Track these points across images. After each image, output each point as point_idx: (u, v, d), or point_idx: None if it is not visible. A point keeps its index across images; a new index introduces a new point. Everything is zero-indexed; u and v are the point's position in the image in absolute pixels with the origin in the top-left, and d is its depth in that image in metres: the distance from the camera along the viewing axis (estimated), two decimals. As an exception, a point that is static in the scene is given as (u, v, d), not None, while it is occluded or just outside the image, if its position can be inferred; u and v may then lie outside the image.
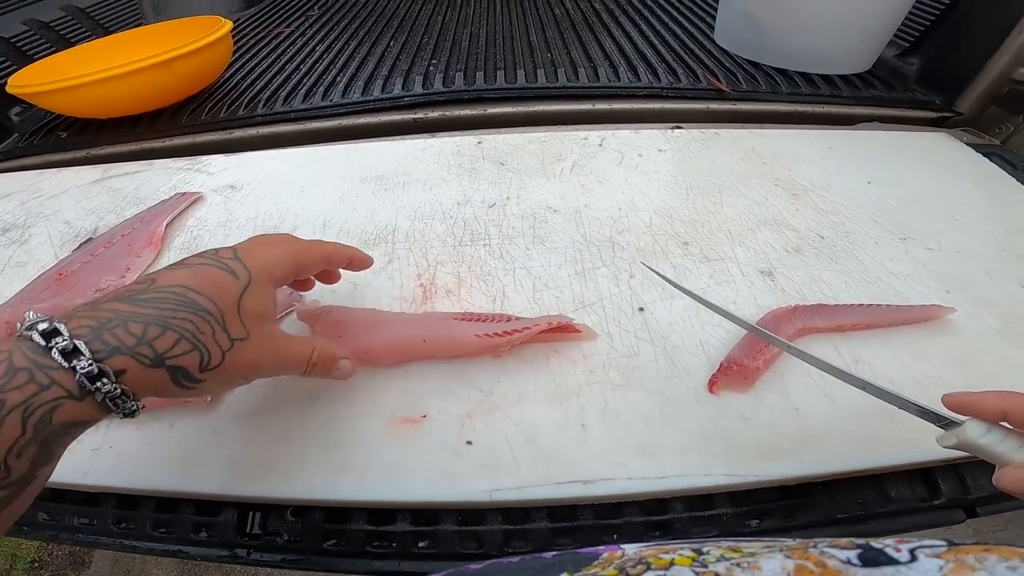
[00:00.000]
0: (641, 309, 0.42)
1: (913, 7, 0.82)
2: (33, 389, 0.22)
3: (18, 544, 1.25)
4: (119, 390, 0.23)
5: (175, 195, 0.55)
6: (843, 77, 0.79)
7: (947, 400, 0.28)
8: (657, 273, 0.40)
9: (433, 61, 0.84)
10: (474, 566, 0.23)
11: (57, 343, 0.22)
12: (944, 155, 0.61)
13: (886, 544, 0.16)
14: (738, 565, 0.17)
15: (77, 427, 0.24)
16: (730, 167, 0.57)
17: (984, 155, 0.63)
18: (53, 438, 0.23)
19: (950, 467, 0.36)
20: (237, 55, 0.93)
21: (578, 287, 0.44)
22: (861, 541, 0.16)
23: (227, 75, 0.85)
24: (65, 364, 0.22)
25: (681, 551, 0.19)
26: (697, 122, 0.72)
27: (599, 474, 0.33)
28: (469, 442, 0.35)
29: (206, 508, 0.36)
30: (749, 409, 0.36)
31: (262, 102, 0.77)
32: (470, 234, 0.49)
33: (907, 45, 0.84)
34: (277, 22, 1.08)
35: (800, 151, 0.60)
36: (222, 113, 0.76)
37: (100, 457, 0.35)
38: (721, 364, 0.38)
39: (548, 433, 0.35)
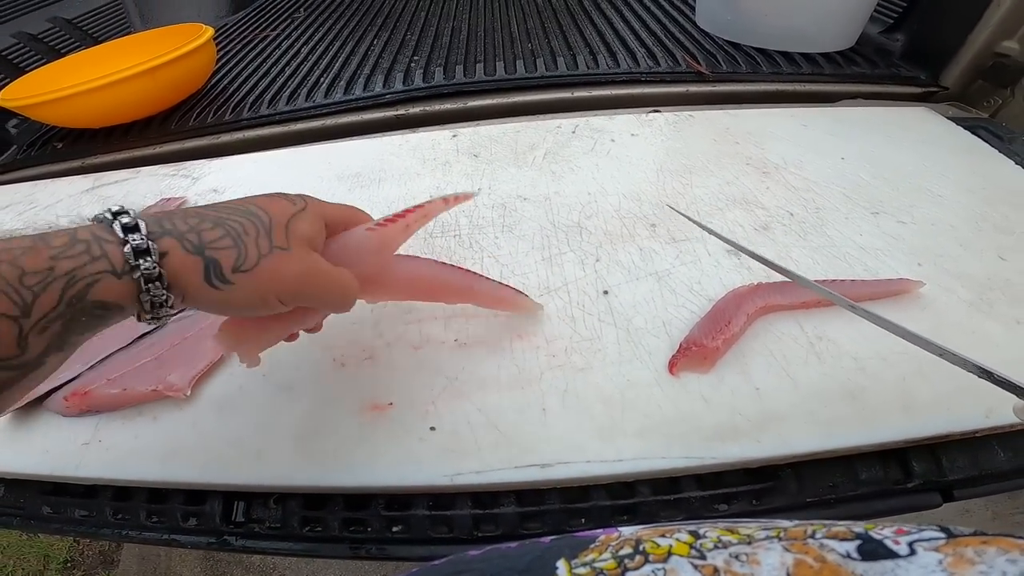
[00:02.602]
0: (606, 292, 0.43)
1: (897, -19, 0.81)
2: (84, 259, 0.22)
3: (50, 544, 1.30)
4: (157, 271, 0.24)
5: (160, 201, 0.56)
6: (825, 55, 0.78)
7: None
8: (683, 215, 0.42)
9: (415, 57, 0.84)
10: (473, 552, 0.24)
11: (122, 219, 0.24)
12: (923, 129, 0.61)
13: (885, 536, 0.16)
14: (736, 558, 0.17)
15: (104, 312, 0.24)
16: (702, 148, 0.57)
17: (970, 128, 0.62)
18: (78, 318, 0.23)
19: (924, 448, 0.36)
20: (225, 59, 0.94)
21: (544, 272, 0.45)
22: (860, 530, 0.16)
23: (214, 80, 0.87)
24: (122, 236, 0.23)
25: (678, 535, 0.19)
26: (677, 105, 0.72)
27: (557, 457, 0.34)
28: (432, 428, 0.36)
29: (194, 497, 0.37)
30: (709, 390, 0.36)
31: (248, 106, 0.78)
32: (440, 225, 0.50)
33: (891, 22, 0.83)
34: (264, 25, 1.09)
35: (774, 130, 0.59)
36: (209, 118, 0.78)
37: (90, 451, 0.37)
38: (680, 345, 0.38)
39: (509, 417, 0.36)
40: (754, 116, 0.63)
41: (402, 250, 0.37)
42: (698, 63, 0.76)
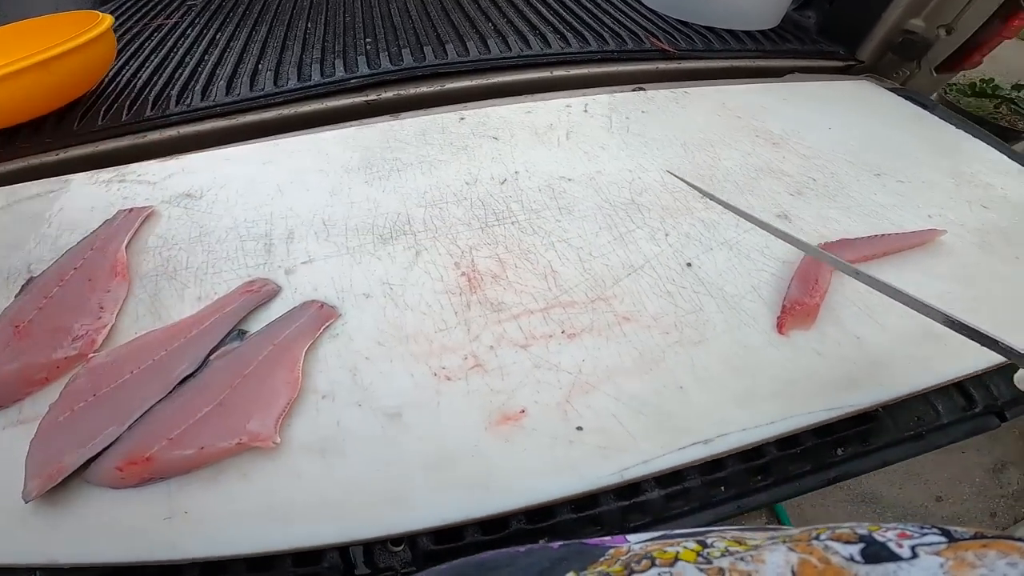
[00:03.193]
0: (689, 264, 0.43)
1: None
2: None
3: None
4: None
5: (120, 213, 0.45)
6: (762, 32, 0.85)
7: None
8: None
9: (368, 40, 0.77)
10: (483, 555, 0.23)
11: None
12: (873, 100, 0.69)
13: (888, 539, 0.16)
14: (742, 559, 0.17)
15: None
16: (710, 123, 0.59)
17: (906, 98, 0.72)
18: None
19: (977, 378, 0.40)
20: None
21: (622, 252, 0.43)
22: (863, 532, 0.17)
23: (110, 74, 0.72)
24: None
25: (686, 543, 0.19)
26: (651, 82, 0.74)
27: (714, 431, 0.33)
28: (579, 427, 0.33)
29: (303, 557, 0.30)
30: (818, 344, 0.38)
31: (172, 99, 0.66)
32: (493, 213, 0.46)
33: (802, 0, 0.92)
34: (143, 15, 0.92)
35: (762, 104, 0.63)
36: (124, 116, 0.64)
37: (177, 525, 0.29)
38: (784, 305, 0.39)
39: (651, 401, 0.34)
40: (740, 92, 0.66)
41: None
42: (661, 42, 0.78)
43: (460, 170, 0.50)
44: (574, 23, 0.81)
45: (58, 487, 0.29)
